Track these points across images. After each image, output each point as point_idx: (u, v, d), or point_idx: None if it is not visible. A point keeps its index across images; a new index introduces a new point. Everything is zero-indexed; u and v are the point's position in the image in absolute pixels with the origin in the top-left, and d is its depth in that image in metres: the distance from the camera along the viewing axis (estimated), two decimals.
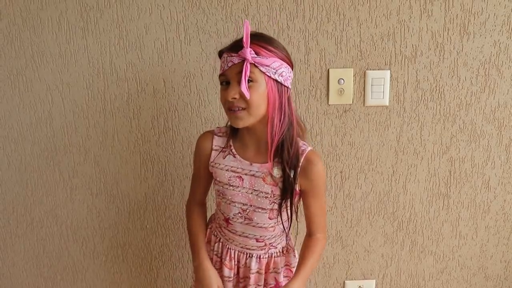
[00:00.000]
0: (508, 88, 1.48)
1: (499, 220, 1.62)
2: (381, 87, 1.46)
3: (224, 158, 1.18)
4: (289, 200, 1.15)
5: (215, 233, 1.29)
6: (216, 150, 1.20)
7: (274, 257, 1.25)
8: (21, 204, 1.61)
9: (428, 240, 1.63)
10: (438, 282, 1.69)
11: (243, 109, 1.07)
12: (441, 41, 1.44)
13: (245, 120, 1.08)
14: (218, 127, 1.24)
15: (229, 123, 1.17)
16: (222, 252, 1.27)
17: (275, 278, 1.27)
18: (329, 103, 1.48)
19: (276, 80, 1.07)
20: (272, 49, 1.07)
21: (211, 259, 1.27)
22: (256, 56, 1.05)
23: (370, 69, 1.46)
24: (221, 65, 1.12)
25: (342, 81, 1.45)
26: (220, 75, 1.12)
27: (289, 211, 1.17)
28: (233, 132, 1.19)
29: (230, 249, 1.25)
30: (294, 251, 1.29)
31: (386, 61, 1.46)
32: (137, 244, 1.65)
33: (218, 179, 1.20)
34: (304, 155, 1.14)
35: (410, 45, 1.44)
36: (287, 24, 1.42)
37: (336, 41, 1.44)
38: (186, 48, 1.44)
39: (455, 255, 1.66)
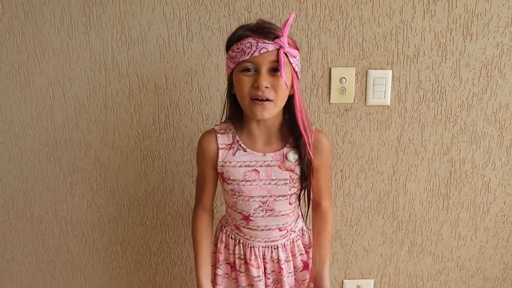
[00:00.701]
0: (510, 90, 1.48)
1: (499, 221, 1.62)
2: (382, 87, 1.46)
3: (234, 155, 1.14)
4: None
5: (232, 235, 1.25)
6: (223, 148, 1.15)
7: (295, 241, 1.25)
8: (21, 198, 1.61)
9: (427, 240, 1.63)
10: (437, 283, 1.69)
11: (270, 100, 1.03)
12: (443, 42, 1.43)
13: (271, 112, 1.05)
14: (216, 125, 1.19)
15: (225, 119, 1.18)
16: (245, 253, 1.23)
17: (301, 260, 1.27)
18: (331, 102, 1.48)
19: (296, 73, 1.08)
20: (293, 41, 1.08)
21: (234, 264, 1.25)
22: (288, 46, 1.02)
23: (372, 69, 1.46)
24: (243, 50, 1.02)
25: (344, 80, 1.45)
26: (246, 61, 1.02)
27: (306, 192, 1.21)
28: (237, 127, 1.16)
29: (253, 247, 1.21)
30: (306, 230, 1.31)
31: (388, 60, 1.45)
32: (136, 240, 1.65)
33: (231, 177, 1.14)
34: (312, 134, 1.14)
35: (413, 45, 1.44)
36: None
37: (338, 40, 1.43)
38: (188, 44, 1.44)
39: (454, 256, 1.66)
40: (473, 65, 1.46)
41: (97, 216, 1.62)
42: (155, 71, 1.47)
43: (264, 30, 1.04)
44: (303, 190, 1.19)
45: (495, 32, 1.43)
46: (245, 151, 1.14)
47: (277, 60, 1.01)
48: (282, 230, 1.21)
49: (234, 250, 1.25)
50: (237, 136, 1.15)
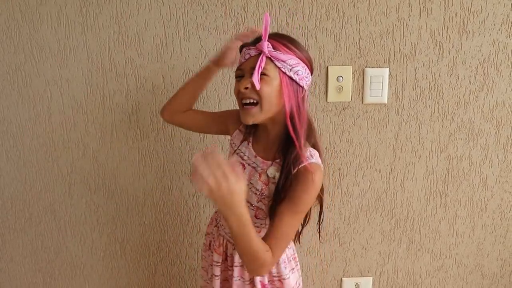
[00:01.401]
0: (507, 87, 1.49)
1: (496, 218, 1.62)
2: (379, 85, 1.47)
3: (241, 142, 1.18)
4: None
5: (216, 217, 1.28)
6: (240, 130, 1.21)
7: None
8: (20, 199, 1.61)
9: (425, 238, 1.64)
10: (435, 280, 1.70)
11: (255, 104, 1.04)
12: (440, 40, 1.44)
13: (256, 117, 1.06)
14: None
15: None
16: (214, 237, 1.25)
17: (260, 281, 1.18)
18: (328, 101, 1.48)
19: (291, 78, 1.04)
20: (292, 47, 1.06)
21: (205, 243, 1.29)
22: (273, 50, 1.03)
23: (369, 67, 1.46)
24: (239, 60, 1.10)
25: (341, 78, 1.46)
26: (237, 69, 1.09)
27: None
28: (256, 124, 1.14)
29: (220, 235, 1.23)
30: (285, 261, 1.19)
31: (385, 59, 1.46)
32: (135, 240, 1.65)
33: (228, 159, 1.18)
34: (305, 163, 1.04)
35: (409, 43, 1.44)
36: (286, 21, 1.42)
37: (335, 39, 1.44)
38: (185, 44, 1.44)
39: (452, 253, 1.66)
40: (469, 63, 1.46)
41: (96, 216, 1.62)
42: (153, 71, 1.47)
43: (256, 39, 1.07)
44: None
45: (491, 29, 1.43)
46: (248, 144, 1.17)
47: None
48: None
49: (212, 230, 1.28)
50: (252, 131, 1.18)
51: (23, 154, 1.56)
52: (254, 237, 0.93)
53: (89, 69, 1.48)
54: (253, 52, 1.05)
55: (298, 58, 1.05)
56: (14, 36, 1.47)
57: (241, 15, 1.42)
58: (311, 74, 1.10)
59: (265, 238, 1.01)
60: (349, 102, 1.49)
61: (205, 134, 1.52)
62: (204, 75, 1.27)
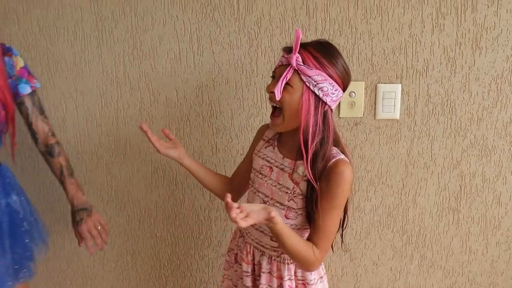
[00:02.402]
0: None
1: (510, 236, 1.60)
2: (392, 101, 1.47)
3: (265, 148, 1.23)
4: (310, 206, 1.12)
5: (240, 228, 1.29)
6: (264, 140, 1.25)
7: (288, 263, 1.20)
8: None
9: (437, 254, 1.62)
10: None
11: (279, 114, 1.11)
12: (453, 56, 1.44)
13: (281, 126, 1.12)
14: None
15: None
16: (240, 248, 1.27)
17: (289, 286, 1.20)
18: (340, 116, 1.49)
19: (314, 93, 1.07)
20: (324, 62, 1.07)
21: (234, 254, 1.30)
22: (301, 64, 1.06)
23: (381, 83, 1.46)
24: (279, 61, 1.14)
25: (354, 94, 1.46)
26: (273, 70, 1.15)
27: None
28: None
29: (247, 243, 1.25)
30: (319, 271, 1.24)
31: (398, 74, 1.46)
32: (147, 252, 1.66)
33: (253, 165, 1.24)
34: (332, 160, 1.10)
35: (422, 59, 1.44)
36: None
37: (348, 54, 1.44)
38: (199, 59, 1.46)
39: (465, 270, 1.64)
40: (482, 79, 1.46)
41: (108, 227, 1.63)
42: (166, 85, 1.49)
43: (290, 46, 1.09)
44: (301, 211, 1.15)
45: (505, 45, 1.43)
46: (274, 148, 1.21)
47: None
48: (274, 241, 1.17)
49: (238, 241, 1.30)
50: (277, 135, 1.22)
51: (37, 165, 1.58)
52: (293, 237, 1.06)
53: (104, 82, 1.50)
54: (284, 60, 1.09)
55: (328, 74, 1.07)
56: (31, 49, 1.50)
57: (254, 30, 1.43)
58: (344, 89, 1.12)
59: (310, 237, 1.12)
60: (361, 117, 1.49)
61: (217, 148, 1.53)
62: (190, 169, 1.30)
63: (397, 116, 1.48)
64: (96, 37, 1.48)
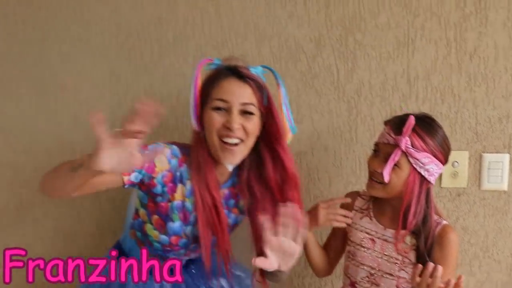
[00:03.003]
0: None
1: None
2: (499, 171, 1.40)
3: (361, 219, 1.22)
4: None
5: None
6: (356, 210, 1.25)
7: None
8: None
9: None
10: None
11: (380, 184, 1.12)
12: None
13: (380, 194, 1.15)
14: (364, 191, 1.27)
15: None
16: None
17: None
18: (442, 186, 1.43)
19: (420, 174, 1.09)
20: (430, 141, 1.09)
21: None
22: (410, 147, 1.07)
23: (486, 152, 1.41)
24: (382, 134, 1.15)
25: (457, 164, 1.41)
26: (375, 143, 1.17)
27: None
28: (374, 197, 1.22)
29: None
30: None
31: (505, 143, 1.40)
32: None
33: (351, 238, 1.23)
34: (439, 227, 1.13)
35: None
36: (400, 105, 1.42)
37: (450, 123, 1.41)
38: (299, 126, 1.47)
39: None
40: None
41: None
42: None
43: (400, 122, 1.10)
44: None
45: None
46: (371, 219, 1.21)
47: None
48: None
49: None
50: (371, 205, 1.23)
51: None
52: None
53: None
54: (391, 140, 1.10)
55: (433, 154, 1.08)
56: None
57: (354, 99, 1.44)
58: (445, 164, 1.12)
59: None
60: (464, 188, 1.43)
61: None
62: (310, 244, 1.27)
63: (505, 187, 1.41)
64: None
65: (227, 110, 1.10)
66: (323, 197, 1.49)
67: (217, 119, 1.10)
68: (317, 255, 1.28)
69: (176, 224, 1.16)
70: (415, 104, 1.41)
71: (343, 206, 1.28)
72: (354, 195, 1.29)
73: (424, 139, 1.08)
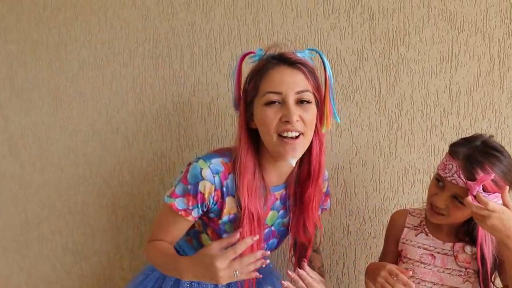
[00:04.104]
0: None
1: None
2: None
3: (416, 236, 1.22)
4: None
5: None
6: (409, 228, 1.24)
7: None
8: None
9: None
10: None
11: (443, 214, 1.12)
12: None
13: (443, 223, 1.15)
14: (412, 208, 1.28)
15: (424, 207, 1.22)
16: None
17: None
18: None
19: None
20: (503, 185, 1.03)
21: None
22: (482, 191, 1.01)
23: None
24: (446, 166, 1.10)
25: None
26: (441, 175, 1.10)
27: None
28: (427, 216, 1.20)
29: None
30: None
31: None
32: None
33: (408, 255, 1.21)
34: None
35: None
36: (441, 120, 1.41)
37: None
38: (337, 140, 1.44)
39: None
40: None
41: None
42: None
43: (468, 168, 1.05)
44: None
45: None
46: (427, 235, 1.21)
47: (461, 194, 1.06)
48: None
49: None
50: (424, 221, 1.23)
51: None
52: None
53: None
54: (461, 183, 1.05)
55: (504, 194, 1.02)
56: (163, 124, 1.51)
57: (395, 113, 1.41)
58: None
59: None
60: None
61: (348, 230, 1.48)
62: None
63: None
64: (231, 114, 1.48)
65: (282, 103, 1.03)
66: (359, 212, 1.46)
67: (272, 114, 1.02)
68: None
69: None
70: (456, 119, 1.40)
71: (394, 223, 1.27)
72: (403, 212, 1.28)
73: (497, 183, 1.03)
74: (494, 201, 1.01)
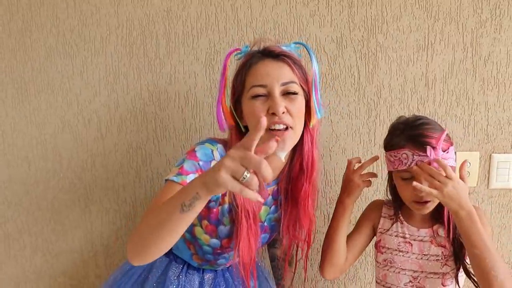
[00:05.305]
0: None
1: None
2: (506, 170, 1.47)
3: (392, 225, 1.23)
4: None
5: None
6: (385, 217, 1.26)
7: None
8: None
9: None
10: None
11: (426, 202, 1.13)
12: None
13: (433, 206, 1.14)
14: (387, 199, 1.28)
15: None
16: None
17: None
18: None
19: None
20: (447, 137, 1.11)
21: None
22: (443, 153, 1.08)
23: (496, 153, 1.46)
24: (400, 160, 1.11)
25: (469, 164, 1.46)
26: (402, 169, 1.11)
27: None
28: (400, 204, 1.22)
29: None
30: None
31: None
32: None
33: (386, 245, 1.22)
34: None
35: None
36: (418, 107, 1.44)
37: (464, 125, 1.45)
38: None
39: None
40: None
41: None
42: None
43: (418, 142, 1.08)
44: (460, 273, 1.16)
45: None
46: (402, 223, 1.22)
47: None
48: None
49: None
50: (398, 210, 1.24)
51: None
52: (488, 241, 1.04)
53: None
54: (426, 159, 1.07)
55: (450, 143, 1.13)
56: (138, 114, 1.46)
57: (374, 101, 1.43)
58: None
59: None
60: (474, 187, 1.48)
61: (329, 219, 1.49)
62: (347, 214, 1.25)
63: (511, 186, 1.48)
64: (209, 104, 1.44)
65: (268, 95, 1.02)
66: None
67: (259, 107, 1.01)
68: (342, 242, 1.23)
69: (227, 228, 1.10)
70: (432, 106, 1.43)
71: (372, 212, 1.29)
72: (380, 202, 1.30)
73: (446, 139, 1.10)
74: (452, 155, 1.11)
